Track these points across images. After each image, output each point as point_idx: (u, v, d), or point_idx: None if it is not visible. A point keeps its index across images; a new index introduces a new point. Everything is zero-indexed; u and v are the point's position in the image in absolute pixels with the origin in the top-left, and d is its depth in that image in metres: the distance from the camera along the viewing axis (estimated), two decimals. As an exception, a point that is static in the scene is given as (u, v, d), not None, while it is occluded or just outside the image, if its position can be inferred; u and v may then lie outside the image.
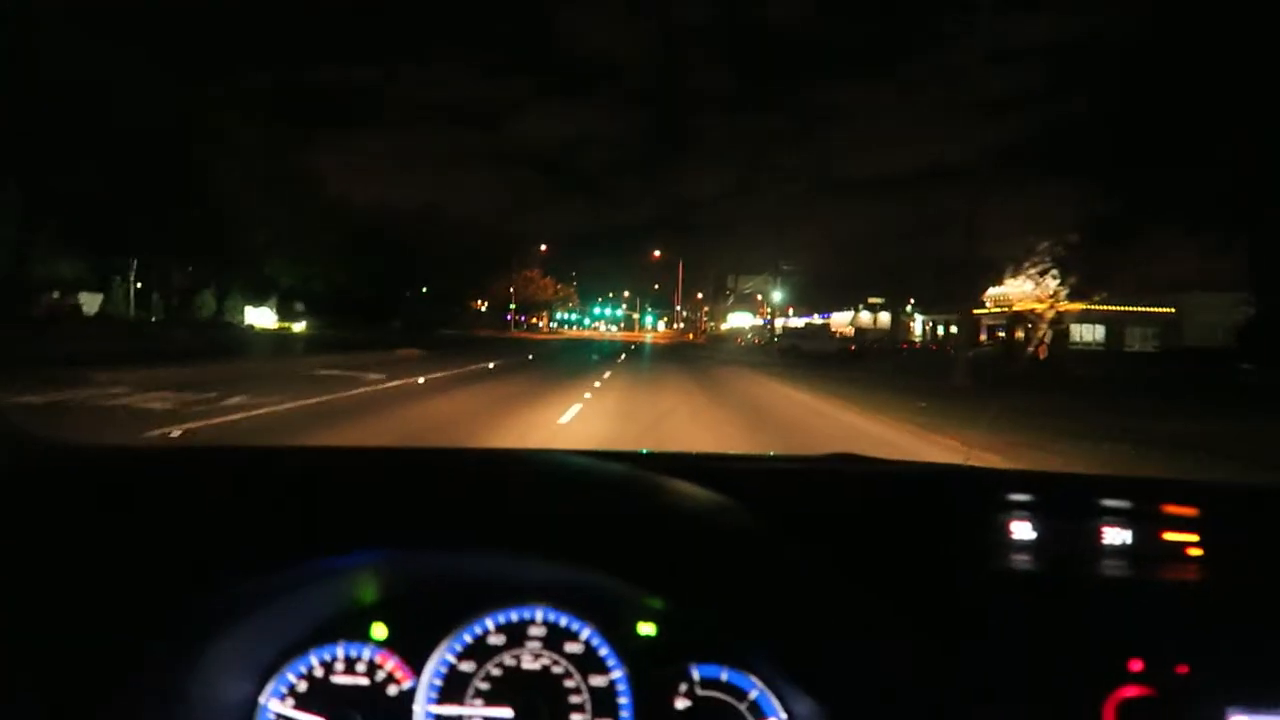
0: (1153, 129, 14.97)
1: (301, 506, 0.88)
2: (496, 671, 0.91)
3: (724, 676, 0.89)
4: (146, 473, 1.10)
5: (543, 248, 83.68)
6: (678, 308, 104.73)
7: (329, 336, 33.31)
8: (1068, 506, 1.06)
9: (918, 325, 55.50)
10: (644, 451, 1.40)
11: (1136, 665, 0.87)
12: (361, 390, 12.30)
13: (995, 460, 6.70)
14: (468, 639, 0.92)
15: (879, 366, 26.52)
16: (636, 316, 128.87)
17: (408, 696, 0.90)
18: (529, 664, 0.91)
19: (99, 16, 25.33)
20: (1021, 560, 1.00)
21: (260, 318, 43.74)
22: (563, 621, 0.92)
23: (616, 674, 0.90)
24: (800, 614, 0.81)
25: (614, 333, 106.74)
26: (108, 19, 25.67)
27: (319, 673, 0.92)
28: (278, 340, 31.14)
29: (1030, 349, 23.71)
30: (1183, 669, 0.87)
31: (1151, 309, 36.57)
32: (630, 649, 0.90)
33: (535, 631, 0.92)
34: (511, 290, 72.56)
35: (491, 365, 19.52)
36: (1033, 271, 22.17)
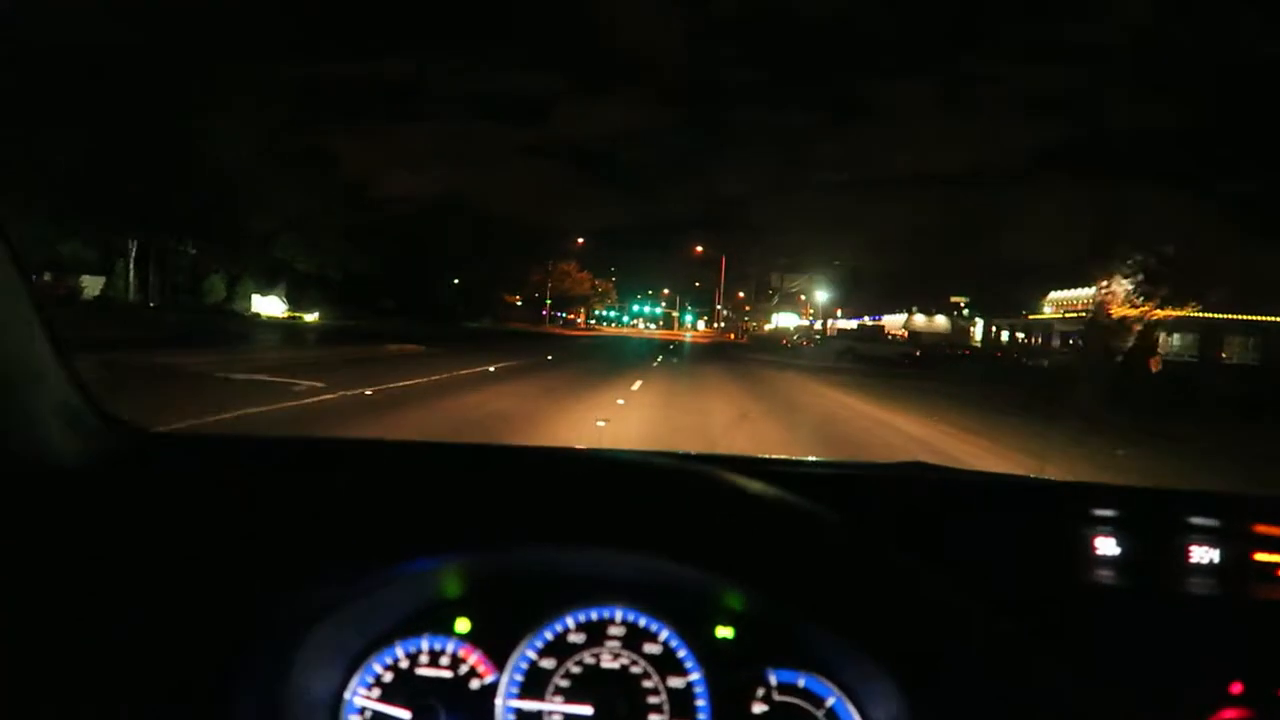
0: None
1: (399, 505, 0.83)
2: (576, 669, 0.92)
3: (801, 683, 0.89)
4: (234, 463, 1.13)
5: (579, 241, 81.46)
6: (719, 306, 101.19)
7: (329, 327, 30.76)
8: (1155, 522, 1.09)
9: (978, 329, 52.46)
10: (717, 454, 1.39)
11: (1237, 688, 0.89)
12: (271, 407, 9.04)
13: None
14: (549, 636, 0.93)
15: (953, 375, 23.26)
16: (676, 315, 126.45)
17: (490, 690, 0.91)
18: (608, 663, 0.92)
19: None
20: (1108, 576, 1.02)
21: (268, 306, 40.06)
22: (641, 622, 0.93)
23: (694, 676, 0.90)
24: (905, 615, 0.76)
25: (653, 330, 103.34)
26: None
27: (404, 665, 0.92)
28: (247, 329, 28.01)
29: (1150, 361, 20.29)
30: None
31: (1253, 317, 32.60)
32: (708, 651, 0.90)
33: (614, 631, 0.93)
34: (548, 284, 70.31)
35: (492, 369, 15.69)
36: (1125, 277, 20.76)
